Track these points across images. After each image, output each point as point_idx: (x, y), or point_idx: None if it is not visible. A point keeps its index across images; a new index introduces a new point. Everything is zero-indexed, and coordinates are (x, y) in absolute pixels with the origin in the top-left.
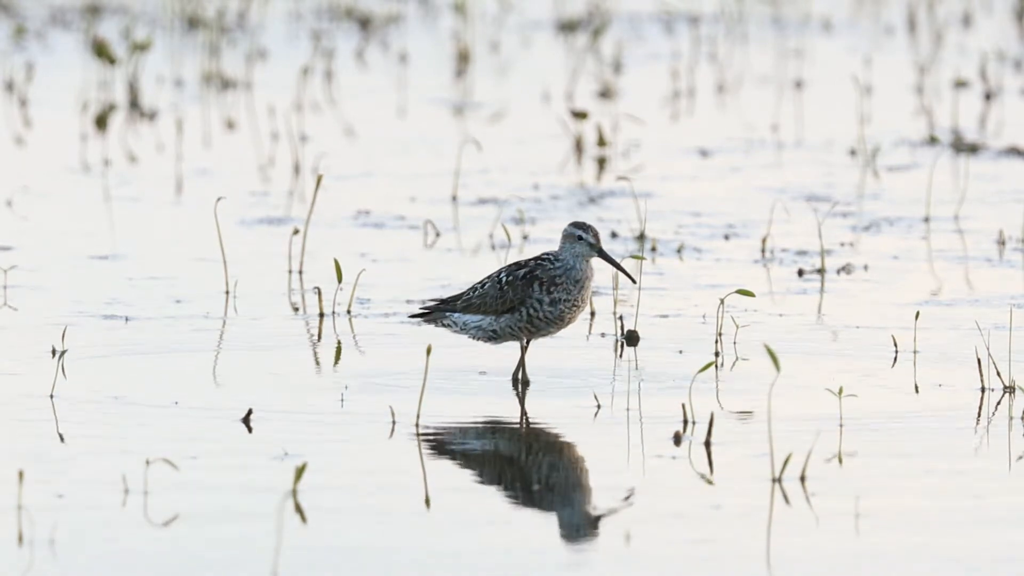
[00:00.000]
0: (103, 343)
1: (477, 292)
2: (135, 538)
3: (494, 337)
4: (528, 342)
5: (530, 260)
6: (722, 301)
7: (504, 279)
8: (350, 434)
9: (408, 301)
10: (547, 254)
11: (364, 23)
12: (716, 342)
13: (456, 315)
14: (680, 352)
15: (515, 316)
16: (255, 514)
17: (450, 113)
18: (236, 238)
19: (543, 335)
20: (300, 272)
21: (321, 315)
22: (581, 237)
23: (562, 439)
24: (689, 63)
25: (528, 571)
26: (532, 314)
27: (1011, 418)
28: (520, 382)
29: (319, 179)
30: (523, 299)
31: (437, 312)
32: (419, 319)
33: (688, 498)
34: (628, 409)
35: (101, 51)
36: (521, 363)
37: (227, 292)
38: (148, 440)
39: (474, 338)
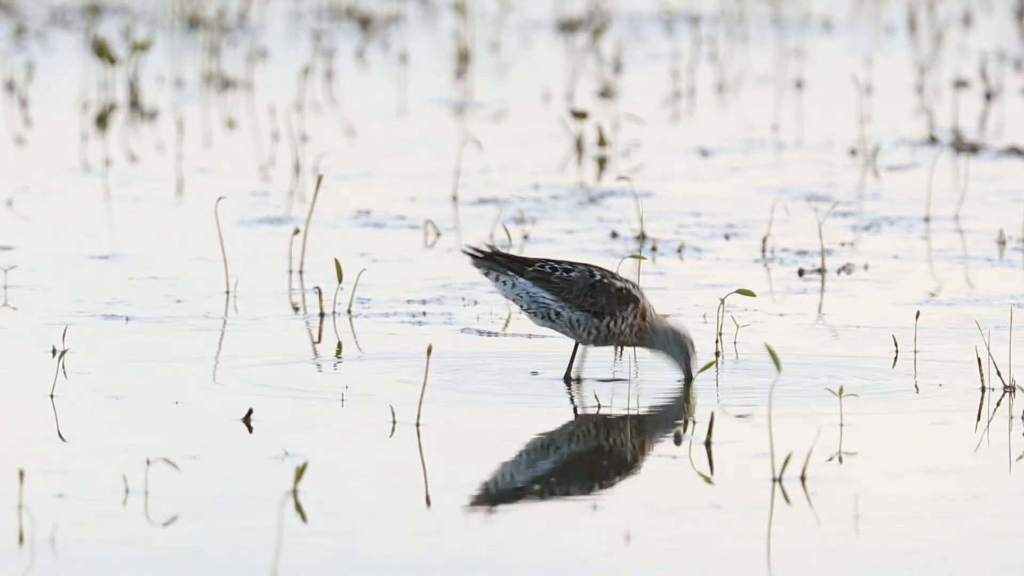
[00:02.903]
0: (103, 343)
1: (559, 274)
2: (135, 538)
3: (553, 321)
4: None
5: (629, 280)
6: (722, 301)
7: (598, 279)
8: (350, 434)
9: (408, 301)
10: (638, 291)
11: (364, 23)
12: (716, 342)
13: (522, 281)
14: None
15: (594, 320)
16: (255, 514)
17: (450, 113)
18: (236, 238)
19: (594, 343)
20: (300, 272)
21: (321, 315)
22: (688, 353)
23: (561, 438)
24: (689, 63)
25: (529, 570)
26: (611, 327)
27: (1011, 418)
28: (574, 380)
29: (319, 179)
30: (613, 311)
31: (496, 264)
32: (472, 258)
33: (688, 498)
34: (628, 409)
35: (101, 51)
36: (572, 361)
37: (227, 292)
38: (148, 440)
39: (527, 310)
